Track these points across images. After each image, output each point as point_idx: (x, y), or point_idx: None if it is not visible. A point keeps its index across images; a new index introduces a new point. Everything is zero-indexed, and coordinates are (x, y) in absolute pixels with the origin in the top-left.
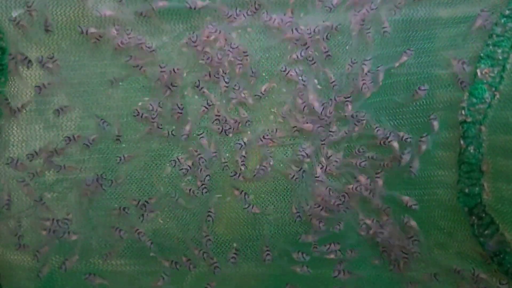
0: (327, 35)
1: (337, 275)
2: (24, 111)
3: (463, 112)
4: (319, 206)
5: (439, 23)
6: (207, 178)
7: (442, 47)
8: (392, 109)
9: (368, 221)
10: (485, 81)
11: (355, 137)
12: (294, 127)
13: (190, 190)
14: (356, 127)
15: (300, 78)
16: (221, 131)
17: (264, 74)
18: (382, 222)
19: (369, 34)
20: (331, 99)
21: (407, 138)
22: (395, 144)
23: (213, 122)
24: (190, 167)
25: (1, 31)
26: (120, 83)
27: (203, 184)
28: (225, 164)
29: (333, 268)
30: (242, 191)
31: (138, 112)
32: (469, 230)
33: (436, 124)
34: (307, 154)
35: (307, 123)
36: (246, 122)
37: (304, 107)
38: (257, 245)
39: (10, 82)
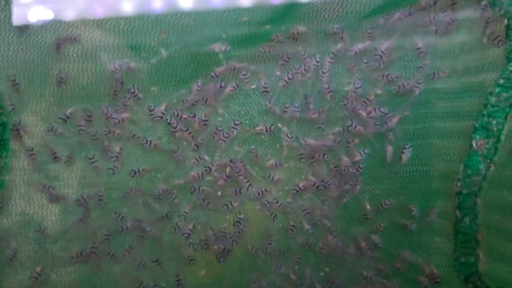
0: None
1: None
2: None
3: (458, 184)
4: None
5: (436, 92)
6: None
7: (438, 116)
8: (389, 173)
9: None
10: (480, 153)
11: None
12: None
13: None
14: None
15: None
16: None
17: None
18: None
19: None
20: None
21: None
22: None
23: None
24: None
25: (2, 107)
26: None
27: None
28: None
29: None
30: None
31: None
32: None
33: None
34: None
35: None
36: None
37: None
38: None
39: (11, 153)
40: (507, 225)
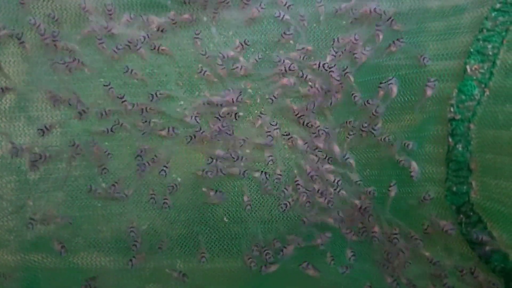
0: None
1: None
2: (6, 107)
3: (451, 110)
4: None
5: (428, 16)
6: None
7: (431, 41)
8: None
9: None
10: (474, 78)
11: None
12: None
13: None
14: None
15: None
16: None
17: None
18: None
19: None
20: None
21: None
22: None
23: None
24: None
25: None
26: (101, 79)
27: None
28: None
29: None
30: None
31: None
32: (457, 227)
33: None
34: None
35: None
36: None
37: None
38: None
39: None
40: (502, 151)
